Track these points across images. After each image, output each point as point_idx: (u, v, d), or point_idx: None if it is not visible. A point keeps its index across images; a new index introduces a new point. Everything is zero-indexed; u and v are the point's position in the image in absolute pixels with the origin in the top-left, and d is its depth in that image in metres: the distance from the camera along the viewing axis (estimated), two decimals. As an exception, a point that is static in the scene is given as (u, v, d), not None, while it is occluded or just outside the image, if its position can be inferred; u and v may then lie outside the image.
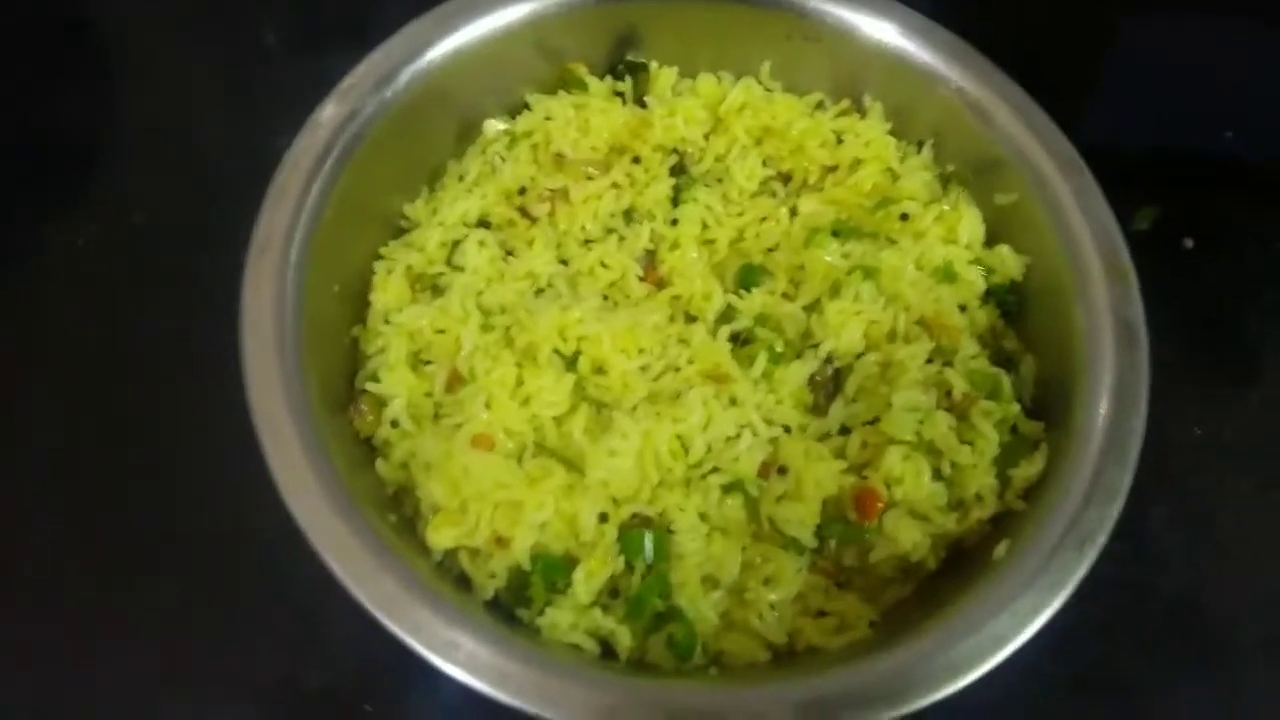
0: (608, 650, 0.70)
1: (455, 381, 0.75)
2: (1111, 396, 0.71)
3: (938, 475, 0.72)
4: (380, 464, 0.75)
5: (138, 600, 0.81)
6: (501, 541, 0.69)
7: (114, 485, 0.84)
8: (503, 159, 0.85)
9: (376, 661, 0.76)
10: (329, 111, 0.78)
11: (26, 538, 0.83)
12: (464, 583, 0.71)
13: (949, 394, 0.75)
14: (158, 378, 0.88)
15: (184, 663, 0.79)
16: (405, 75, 0.80)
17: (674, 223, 0.85)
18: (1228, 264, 1.00)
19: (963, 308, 0.81)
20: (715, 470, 0.72)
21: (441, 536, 0.70)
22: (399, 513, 0.73)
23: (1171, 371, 0.86)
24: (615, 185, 0.85)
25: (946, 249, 0.82)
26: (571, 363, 0.75)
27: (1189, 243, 1.01)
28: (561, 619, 0.68)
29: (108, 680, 0.78)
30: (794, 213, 0.86)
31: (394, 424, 0.75)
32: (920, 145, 0.87)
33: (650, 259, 0.84)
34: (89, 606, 0.81)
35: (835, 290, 0.80)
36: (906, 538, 0.71)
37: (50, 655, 0.79)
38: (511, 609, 0.70)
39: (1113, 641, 0.84)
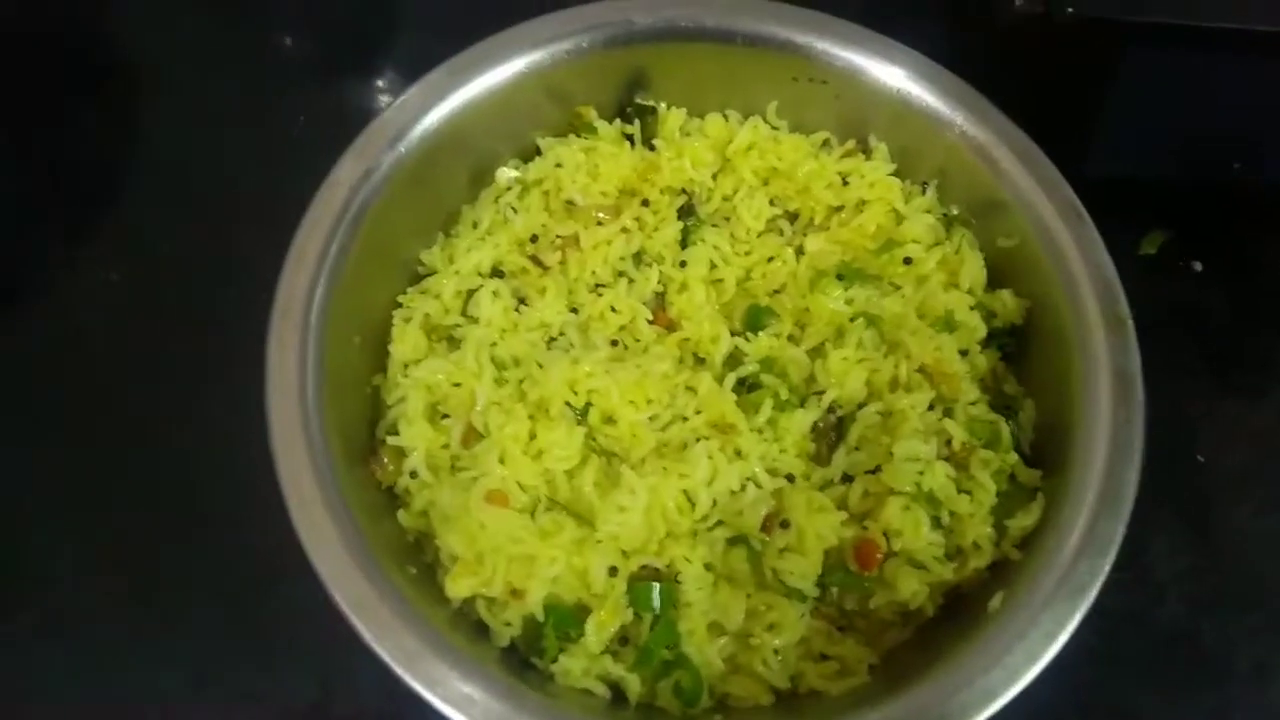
0: (618, 695, 0.73)
1: (471, 435, 0.77)
2: (1108, 448, 0.72)
3: (936, 524, 0.74)
4: (401, 513, 0.77)
5: (169, 628, 0.84)
6: (516, 593, 0.72)
7: (143, 513, 0.87)
8: (514, 209, 0.86)
9: (402, 701, 0.79)
10: (345, 169, 0.79)
11: (56, 565, 0.86)
12: (482, 629, 0.74)
13: (949, 443, 0.77)
14: (186, 406, 0.90)
15: (216, 687, 0.82)
16: (418, 129, 0.82)
17: (682, 264, 0.86)
18: (1236, 287, 1.01)
19: (964, 352, 0.82)
20: (720, 524, 0.75)
21: (459, 586, 0.73)
22: (420, 560, 0.76)
23: (1178, 396, 0.88)
24: (625, 229, 0.86)
25: (948, 295, 0.83)
26: (582, 414, 0.77)
27: (1198, 266, 1.02)
28: (574, 666, 0.71)
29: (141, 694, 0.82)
30: (800, 252, 0.87)
31: (413, 475, 0.77)
32: (925, 187, 0.88)
33: (660, 301, 0.86)
34: (118, 624, 0.84)
35: (839, 336, 0.81)
36: (905, 586, 0.73)
37: (88, 667, 0.83)
38: (526, 656, 0.73)
39: (1112, 667, 0.86)
